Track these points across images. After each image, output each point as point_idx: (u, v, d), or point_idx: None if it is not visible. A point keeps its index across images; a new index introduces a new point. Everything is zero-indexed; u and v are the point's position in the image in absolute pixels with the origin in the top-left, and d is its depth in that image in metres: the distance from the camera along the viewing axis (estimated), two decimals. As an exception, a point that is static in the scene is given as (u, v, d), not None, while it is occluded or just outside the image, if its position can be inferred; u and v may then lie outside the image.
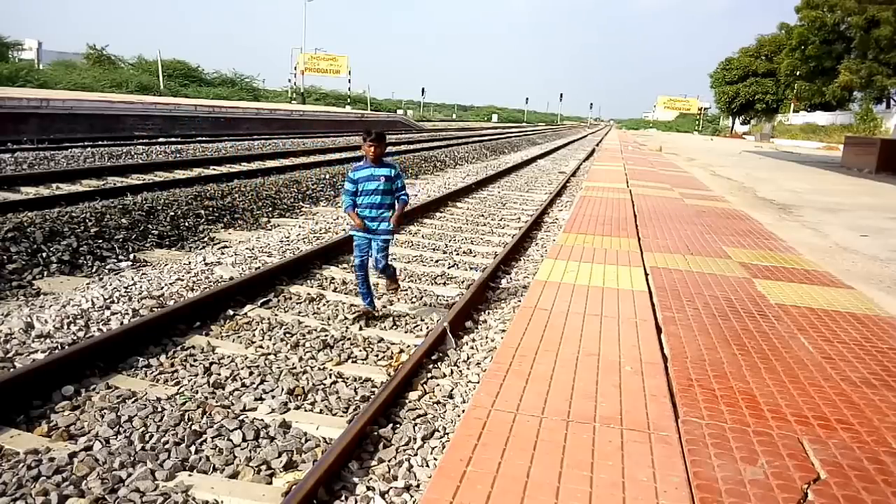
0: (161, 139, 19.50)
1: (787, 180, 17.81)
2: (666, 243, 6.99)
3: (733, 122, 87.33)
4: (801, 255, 6.94)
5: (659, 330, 4.13)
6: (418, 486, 3.07)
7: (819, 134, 52.45)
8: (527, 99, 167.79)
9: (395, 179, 4.92)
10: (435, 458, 3.30)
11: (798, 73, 51.90)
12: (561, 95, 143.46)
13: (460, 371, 4.40)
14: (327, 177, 12.79)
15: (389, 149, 21.76)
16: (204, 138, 21.38)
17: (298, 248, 7.30)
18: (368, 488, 3.02)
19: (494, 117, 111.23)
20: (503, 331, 5.04)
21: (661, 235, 7.47)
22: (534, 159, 24.21)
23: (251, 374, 4.10)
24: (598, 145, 37.35)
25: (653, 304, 4.68)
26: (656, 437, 2.70)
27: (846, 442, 2.77)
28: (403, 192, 5.05)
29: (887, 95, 49.03)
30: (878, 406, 3.16)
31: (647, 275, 5.55)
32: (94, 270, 6.27)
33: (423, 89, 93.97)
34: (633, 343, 3.85)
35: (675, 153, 30.09)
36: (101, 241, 6.91)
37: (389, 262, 5.16)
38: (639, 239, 7.15)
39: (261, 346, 4.55)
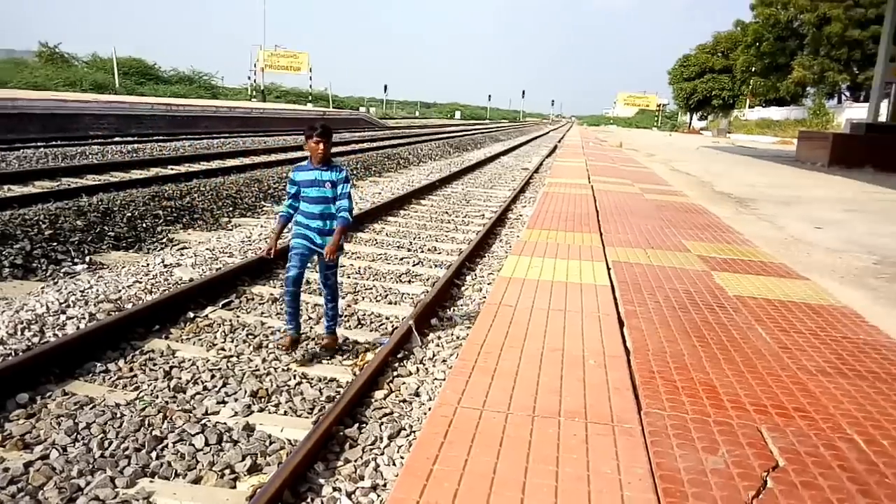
0: (117, 138, 19.06)
1: (744, 174, 18.19)
2: (627, 238, 7.09)
3: (691, 118, 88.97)
4: (757, 247, 7.10)
5: (621, 323, 4.19)
6: (385, 485, 3.06)
7: (774, 129, 53.56)
8: (489, 96, 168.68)
9: (339, 185, 4.20)
10: (402, 457, 3.29)
11: (753, 69, 53.17)
12: (523, 92, 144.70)
13: (426, 369, 4.40)
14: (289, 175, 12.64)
15: (353, 146, 21.62)
16: (161, 137, 20.97)
17: (260, 248, 7.20)
18: (335, 489, 2.99)
19: (457, 114, 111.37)
20: (469, 328, 5.04)
21: (622, 230, 7.57)
22: (497, 156, 24.29)
23: (213, 376, 4.03)
24: (559, 142, 37.64)
25: (615, 298, 4.74)
26: (620, 430, 2.74)
27: (803, 430, 2.84)
28: (345, 203, 4.21)
29: (839, 91, 50.50)
30: (833, 394, 3.25)
31: (609, 269, 5.61)
32: (48, 274, 6.09)
33: (385, 86, 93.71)
34: (596, 337, 3.89)
35: (635, 149, 30.49)
36: (55, 243, 6.72)
37: (338, 291, 4.51)
38: (601, 234, 7.23)
39: (223, 349, 4.48)
